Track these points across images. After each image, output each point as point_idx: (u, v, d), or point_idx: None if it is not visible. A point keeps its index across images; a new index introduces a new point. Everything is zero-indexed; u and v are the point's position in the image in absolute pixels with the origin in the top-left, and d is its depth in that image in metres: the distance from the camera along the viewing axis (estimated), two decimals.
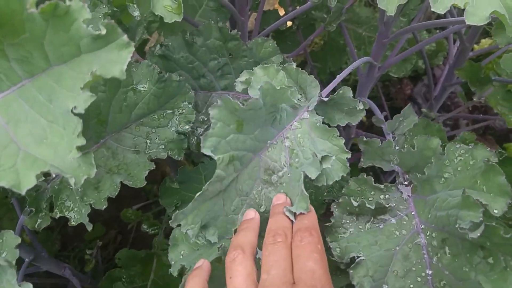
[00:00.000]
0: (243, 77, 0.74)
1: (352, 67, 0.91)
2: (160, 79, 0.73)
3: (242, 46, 0.88)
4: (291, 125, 0.75)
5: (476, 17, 0.55)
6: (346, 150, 0.68)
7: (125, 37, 0.42)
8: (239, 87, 0.74)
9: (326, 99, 0.80)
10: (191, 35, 0.81)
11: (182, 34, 0.80)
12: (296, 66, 0.77)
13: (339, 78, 0.86)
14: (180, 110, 0.73)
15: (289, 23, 1.22)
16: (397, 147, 0.85)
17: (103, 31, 0.42)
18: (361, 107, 0.79)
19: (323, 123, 0.77)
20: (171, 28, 1.03)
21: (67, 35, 0.43)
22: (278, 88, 0.66)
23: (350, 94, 0.80)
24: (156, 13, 0.54)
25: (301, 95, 0.81)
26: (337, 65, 1.34)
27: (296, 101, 0.76)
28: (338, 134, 0.72)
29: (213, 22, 0.82)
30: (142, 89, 0.69)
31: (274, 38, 1.28)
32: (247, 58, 0.90)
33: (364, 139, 0.92)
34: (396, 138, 0.94)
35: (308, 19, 1.20)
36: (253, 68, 0.75)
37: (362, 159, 0.90)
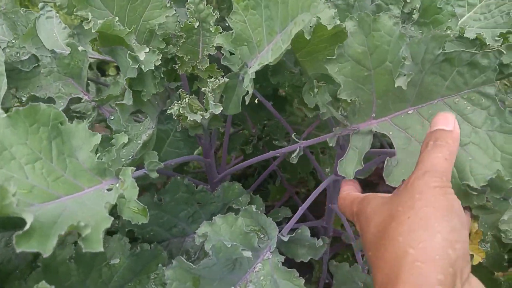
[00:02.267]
0: (200, 230, 0.79)
1: (316, 192, 0.99)
2: (132, 253, 0.80)
3: (209, 195, 0.97)
4: (254, 268, 0.80)
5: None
6: None
7: None
8: (197, 241, 0.79)
9: (286, 239, 0.86)
10: (159, 195, 0.90)
11: (150, 195, 0.89)
12: None
13: (301, 210, 0.93)
14: (155, 274, 0.79)
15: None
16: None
17: None
18: (321, 243, 0.86)
19: (287, 259, 0.82)
20: None
21: None
22: (229, 246, 0.71)
23: (308, 233, 0.86)
24: (124, 217, 0.61)
25: (263, 234, 0.88)
26: (306, 170, 1.41)
27: (256, 245, 0.82)
28: (298, 274, 0.77)
29: (179, 177, 0.92)
30: (116, 263, 0.75)
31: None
32: (216, 203, 0.98)
33: (334, 263, 0.98)
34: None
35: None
36: (214, 218, 0.80)
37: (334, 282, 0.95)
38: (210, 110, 0.70)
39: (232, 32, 0.73)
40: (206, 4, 0.78)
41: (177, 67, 0.83)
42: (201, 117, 0.73)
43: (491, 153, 0.58)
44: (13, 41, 1.02)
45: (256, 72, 0.75)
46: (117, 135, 0.76)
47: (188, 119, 0.72)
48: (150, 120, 0.87)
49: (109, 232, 0.86)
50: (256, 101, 1.19)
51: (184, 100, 0.72)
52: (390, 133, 0.66)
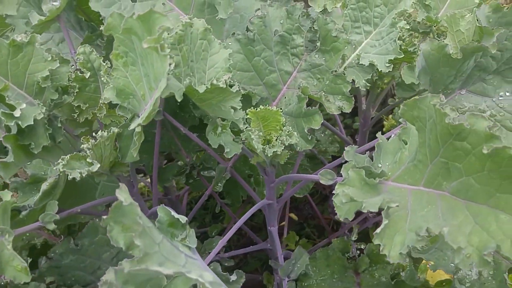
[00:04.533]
0: (104, 277, 0.77)
1: (246, 216, 1.01)
2: None
3: None
4: None
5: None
6: None
7: None
8: None
9: None
10: (77, 240, 0.92)
11: (66, 241, 0.91)
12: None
13: (234, 229, 0.95)
14: None
15: None
16: None
17: None
18: (235, 277, 0.87)
19: None
20: None
21: None
22: None
23: (219, 269, 0.89)
24: (7, 276, 0.63)
25: None
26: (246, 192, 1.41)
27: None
28: None
29: (97, 220, 0.94)
30: None
31: None
32: None
33: None
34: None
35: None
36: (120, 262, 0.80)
37: None
38: (89, 168, 0.72)
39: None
40: (97, 55, 0.80)
41: (76, 116, 0.85)
42: (79, 174, 0.73)
43: None
44: None
45: (182, 102, 0.78)
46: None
47: (69, 176, 0.73)
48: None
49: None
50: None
51: (66, 157, 0.74)
52: None
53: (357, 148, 1.05)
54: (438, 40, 0.95)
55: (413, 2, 0.95)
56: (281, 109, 1.02)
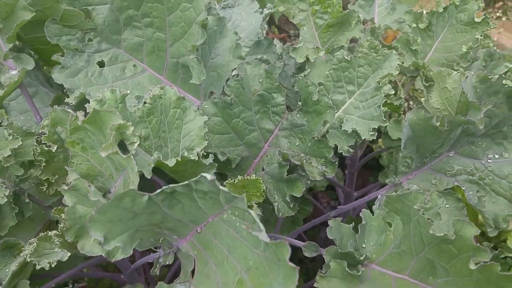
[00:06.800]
0: None
1: None
2: None
3: None
4: None
5: None
6: None
7: None
8: None
9: None
10: None
11: None
12: None
13: None
14: None
15: None
16: None
17: None
18: None
19: None
20: None
21: None
22: None
23: None
24: None
25: None
26: None
27: None
28: None
29: None
30: None
31: None
32: None
33: None
34: None
35: None
36: None
37: None
38: (59, 258, 0.67)
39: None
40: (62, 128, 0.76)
41: (44, 189, 0.81)
42: (49, 264, 0.70)
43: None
44: None
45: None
46: None
47: (37, 266, 0.69)
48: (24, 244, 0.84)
49: None
50: None
51: (32, 245, 0.69)
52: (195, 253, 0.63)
53: (342, 206, 1.02)
54: (427, 89, 0.92)
55: (398, 57, 0.91)
56: (263, 168, 0.99)
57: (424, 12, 1.07)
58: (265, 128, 0.97)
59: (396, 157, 0.86)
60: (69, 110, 0.69)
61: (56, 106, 0.80)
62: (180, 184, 0.55)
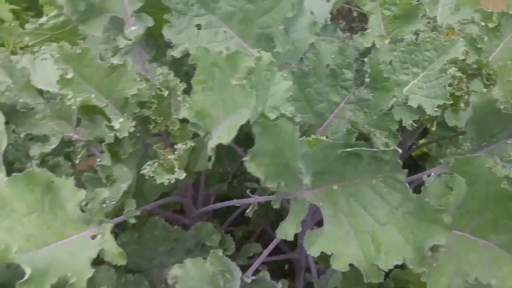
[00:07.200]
0: (172, 272, 0.89)
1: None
2: (118, 282, 0.91)
3: (184, 234, 1.08)
4: None
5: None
6: None
7: None
8: (170, 282, 0.90)
9: (249, 280, 0.96)
10: (139, 233, 1.04)
11: (130, 233, 1.03)
12: None
13: (260, 259, 1.03)
14: None
15: None
16: None
17: None
18: (280, 285, 0.95)
19: None
20: None
21: None
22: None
23: (268, 277, 0.97)
24: (105, 259, 0.75)
25: (230, 275, 0.98)
26: None
27: (222, 285, 0.92)
28: None
29: (157, 217, 1.05)
30: None
31: None
32: (190, 240, 1.10)
33: None
34: None
35: None
36: (184, 261, 0.91)
37: None
38: (176, 176, 0.82)
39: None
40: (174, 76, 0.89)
41: (151, 127, 0.94)
42: (168, 180, 0.84)
43: (405, 234, 0.67)
44: (12, 85, 1.12)
45: None
46: (98, 191, 0.88)
47: (157, 181, 0.83)
48: (129, 171, 0.98)
49: (98, 261, 0.97)
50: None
51: (155, 163, 0.83)
52: (321, 204, 0.75)
53: None
54: (488, 87, 1.01)
55: (464, 44, 1.00)
56: (326, 136, 1.11)
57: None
58: (332, 100, 1.09)
59: (453, 140, 0.96)
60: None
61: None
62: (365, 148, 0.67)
